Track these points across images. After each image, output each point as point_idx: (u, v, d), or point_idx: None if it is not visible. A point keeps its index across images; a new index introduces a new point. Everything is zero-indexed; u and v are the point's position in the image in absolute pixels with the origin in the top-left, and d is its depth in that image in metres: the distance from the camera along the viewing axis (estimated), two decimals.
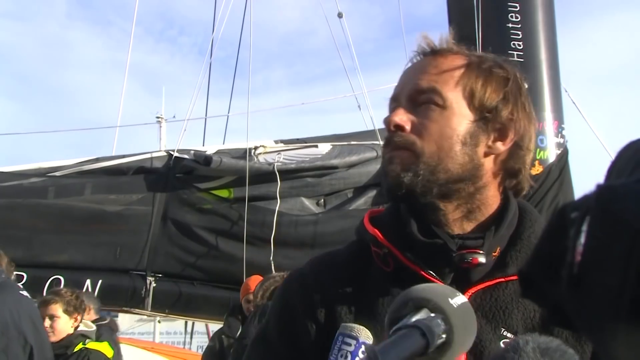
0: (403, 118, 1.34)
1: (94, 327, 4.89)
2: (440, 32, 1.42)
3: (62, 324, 4.62)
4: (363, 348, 1.18)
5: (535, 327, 1.26)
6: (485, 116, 1.35)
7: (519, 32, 5.25)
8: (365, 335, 1.20)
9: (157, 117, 8.82)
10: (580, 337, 1.23)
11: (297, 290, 1.44)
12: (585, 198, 0.60)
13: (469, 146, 1.33)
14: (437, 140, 1.32)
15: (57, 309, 4.60)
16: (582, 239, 0.58)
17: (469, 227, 1.35)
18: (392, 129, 1.36)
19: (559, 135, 5.26)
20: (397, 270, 1.35)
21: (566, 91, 5.63)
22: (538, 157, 5.11)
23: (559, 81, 5.44)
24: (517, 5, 5.30)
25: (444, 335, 0.89)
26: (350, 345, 1.19)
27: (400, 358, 0.81)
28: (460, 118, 1.33)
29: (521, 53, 5.17)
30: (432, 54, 1.39)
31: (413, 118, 1.35)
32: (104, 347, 4.76)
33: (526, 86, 1.43)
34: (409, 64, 1.43)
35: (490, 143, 1.35)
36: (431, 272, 1.31)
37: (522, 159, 1.38)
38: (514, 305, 1.30)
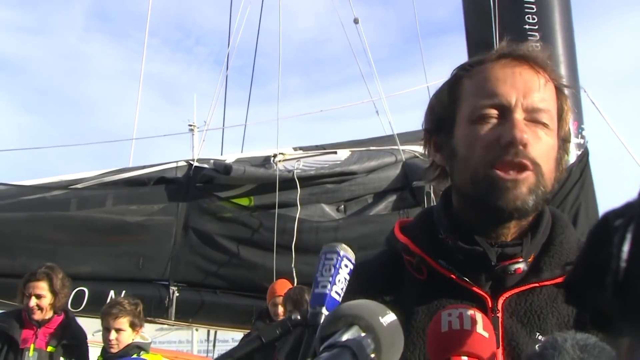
0: (530, 136, 1.29)
1: (149, 340, 4.96)
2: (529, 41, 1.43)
3: (126, 337, 4.69)
4: (345, 261, 1.21)
5: None
6: (563, 145, 1.38)
7: (536, 34, 5.23)
8: (344, 248, 1.23)
9: (190, 125, 8.87)
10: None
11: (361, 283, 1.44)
12: (629, 205, 0.61)
13: (557, 168, 1.36)
14: (548, 161, 1.32)
15: (125, 322, 4.67)
16: (627, 245, 0.58)
17: (511, 237, 1.34)
18: (517, 147, 1.29)
19: (579, 136, 5.23)
20: (431, 278, 1.34)
21: (585, 91, 5.60)
22: None
23: (577, 81, 5.40)
24: (533, 6, 5.27)
25: (372, 355, 0.90)
26: (332, 259, 1.24)
27: None
28: (556, 141, 1.35)
29: None
30: (533, 66, 1.35)
31: (531, 134, 1.30)
32: (158, 358, 4.84)
33: None
34: (507, 66, 1.36)
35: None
36: (466, 278, 1.31)
37: (560, 177, 1.40)
38: (549, 310, 1.29)
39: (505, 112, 1.31)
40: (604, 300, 0.60)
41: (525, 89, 1.33)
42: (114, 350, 4.61)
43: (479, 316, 1.15)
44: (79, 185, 6.22)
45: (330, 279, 1.20)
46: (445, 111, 1.40)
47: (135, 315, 4.71)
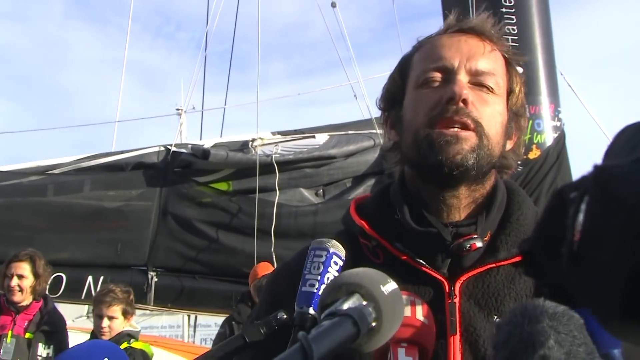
0: (470, 93, 1.29)
1: (138, 328, 4.99)
2: (480, 13, 1.42)
3: (118, 325, 4.71)
4: (335, 258, 1.19)
5: None
6: (512, 114, 1.38)
7: (513, 17, 5.25)
8: (334, 245, 1.21)
9: (177, 109, 8.82)
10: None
11: (285, 279, 1.42)
12: (583, 179, 0.62)
13: (504, 136, 1.35)
14: (494, 125, 1.32)
15: (117, 310, 4.69)
16: (581, 217, 0.59)
17: (464, 213, 1.33)
18: (458, 103, 1.28)
19: (556, 118, 5.27)
20: (388, 262, 1.31)
21: (562, 74, 5.63)
22: (535, 141, 5.12)
23: (554, 65, 5.44)
24: None
25: (373, 323, 0.90)
26: (321, 256, 1.20)
27: (332, 346, 0.82)
28: (504, 108, 1.35)
29: (515, 37, 5.17)
30: (480, 35, 1.37)
31: (475, 96, 1.31)
32: (147, 347, 4.86)
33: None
34: (454, 35, 1.37)
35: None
36: (422, 261, 1.29)
37: (518, 154, 1.41)
38: (506, 291, 1.28)
39: (449, 74, 1.32)
40: (559, 272, 0.62)
41: (470, 53, 1.34)
42: (106, 337, 4.63)
43: (418, 302, 1.15)
44: (56, 171, 6.16)
45: (319, 277, 1.18)
46: (396, 86, 1.41)
47: (128, 303, 4.75)
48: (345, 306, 0.90)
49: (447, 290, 1.27)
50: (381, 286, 0.95)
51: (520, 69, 1.42)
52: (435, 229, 1.30)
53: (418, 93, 1.33)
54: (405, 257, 1.31)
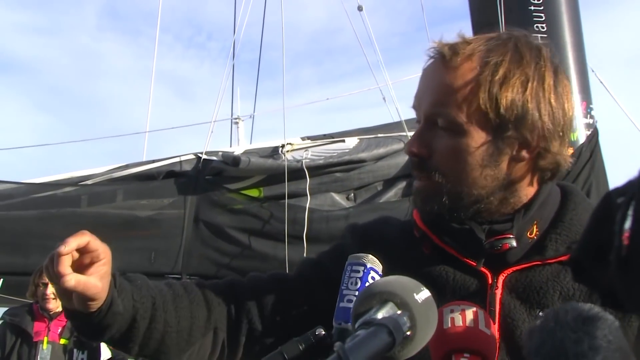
0: (418, 148, 1.34)
1: None
2: (458, 30, 1.36)
3: None
4: (372, 274, 1.21)
5: None
6: (502, 132, 1.29)
7: (542, 15, 5.19)
8: (371, 260, 1.22)
9: (235, 119, 8.89)
10: (626, 316, 1.22)
11: (356, 233, 1.53)
12: (630, 183, 0.61)
13: (489, 167, 1.30)
14: (455, 167, 1.30)
15: None
16: (629, 222, 0.58)
17: (497, 212, 1.34)
18: (411, 157, 1.36)
19: (588, 115, 5.19)
20: (435, 254, 1.37)
21: (593, 71, 5.56)
22: None
23: (584, 62, 5.36)
24: None
25: (408, 332, 0.91)
26: (359, 272, 1.21)
27: (368, 356, 0.83)
28: (476, 140, 1.29)
29: (545, 35, 5.11)
30: (443, 63, 1.31)
31: (430, 141, 1.32)
32: None
33: (556, 64, 1.35)
34: (425, 68, 1.37)
35: (514, 154, 1.31)
36: (467, 255, 1.34)
37: (554, 156, 1.33)
38: (549, 285, 1.29)
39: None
40: (608, 278, 0.61)
41: (421, 93, 1.36)
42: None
43: (480, 313, 1.15)
44: (89, 182, 6.23)
45: (357, 293, 1.19)
46: None
47: None
48: (380, 315, 0.90)
49: (490, 282, 1.31)
50: (415, 294, 0.95)
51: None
52: (468, 226, 1.32)
53: None
54: (450, 250, 1.35)
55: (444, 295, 1.27)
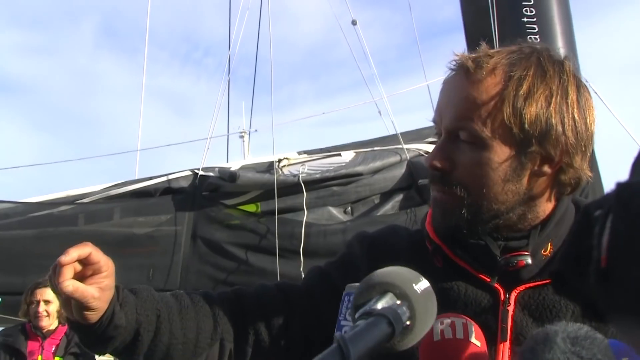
0: (441, 161, 1.32)
1: None
2: (452, 42, 1.35)
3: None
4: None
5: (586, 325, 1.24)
6: (526, 147, 1.28)
7: (535, 26, 5.22)
8: None
9: (241, 133, 8.93)
10: (606, 326, 1.22)
11: (365, 243, 1.52)
12: (607, 196, 0.63)
13: (511, 182, 1.29)
14: (478, 181, 1.29)
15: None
16: (606, 235, 0.59)
17: (513, 228, 1.34)
18: (432, 170, 1.34)
19: None
20: (448, 267, 1.36)
21: (587, 82, 5.57)
22: None
23: (578, 73, 5.38)
24: None
25: (407, 322, 0.91)
26: None
27: (369, 346, 0.83)
28: (499, 155, 1.28)
29: None
30: (466, 76, 1.30)
31: (452, 155, 1.31)
32: None
33: (579, 78, 1.37)
34: (446, 81, 1.36)
35: (536, 168, 1.31)
36: (480, 270, 1.33)
37: (576, 171, 1.32)
38: (563, 304, 1.27)
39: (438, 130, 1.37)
40: (590, 290, 0.62)
41: (443, 107, 1.34)
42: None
43: (471, 325, 1.15)
44: (85, 200, 6.22)
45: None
46: None
47: None
48: (379, 305, 0.91)
49: (503, 299, 1.29)
50: (414, 285, 0.96)
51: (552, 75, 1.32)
52: (483, 241, 1.32)
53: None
54: (463, 264, 1.34)
55: (455, 310, 1.25)
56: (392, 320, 0.87)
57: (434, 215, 1.38)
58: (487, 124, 1.27)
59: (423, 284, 0.97)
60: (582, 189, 1.38)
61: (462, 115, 1.29)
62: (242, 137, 8.99)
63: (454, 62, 1.34)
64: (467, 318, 1.17)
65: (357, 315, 0.92)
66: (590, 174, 1.36)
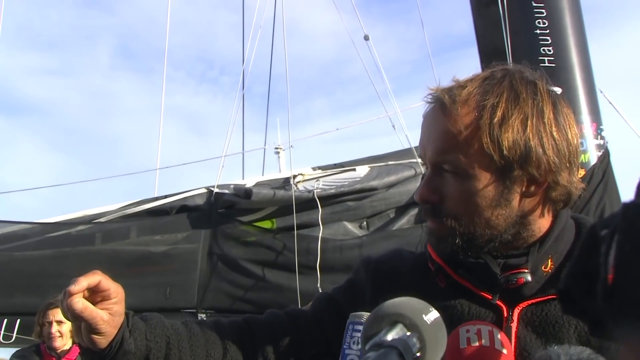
0: (429, 194, 1.35)
1: None
2: (466, 56, 1.35)
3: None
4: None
5: (591, 340, 1.23)
6: (509, 172, 1.29)
7: (548, 37, 5.21)
8: None
9: (276, 148, 9.04)
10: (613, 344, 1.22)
11: (370, 268, 1.54)
12: (613, 216, 0.64)
13: (500, 207, 1.31)
14: (467, 210, 1.31)
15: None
16: (612, 254, 0.60)
17: (514, 248, 1.35)
18: (422, 204, 1.38)
19: (599, 137, 5.18)
20: (450, 287, 1.37)
21: (602, 92, 5.56)
22: (579, 161, 5.04)
23: (593, 83, 5.37)
24: (543, 10, 5.26)
25: (418, 354, 0.91)
26: (360, 331, 1.22)
27: None
28: (483, 183, 1.29)
29: (552, 58, 5.12)
30: (442, 110, 1.33)
31: (439, 187, 1.34)
32: None
33: (554, 95, 1.35)
34: (425, 115, 1.39)
35: (524, 190, 1.32)
36: (482, 288, 1.34)
37: (564, 187, 1.33)
38: (565, 319, 1.28)
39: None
40: (597, 309, 0.63)
41: (424, 141, 1.38)
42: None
43: (496, 332, 1.15)
44: (102, 219, 6.26)
45: (359, 353, 1.20)
46: None
47: None
48: (389, 337, 0.91)
49: (506, 316, 1.30)
50: (424, 315, 0.96)
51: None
52: (483, 260, 1.33)
53: None
54: (465, 283, 1.35)
55: None
56: (403, 352, 0.87)
57: (430, 242, 1.41)
58: (467, 155, 1.28)
59: (433, 315, 0.98)
60: (600, 198, 1.38)
61: (443, 149, 1.31)
62: (277, 152, 9.13)
63: (430, 96, 1.36)
64: (492, 325, 1.17)
65: (367, 347, 0.92)
66: (582, 185, 1.37)
